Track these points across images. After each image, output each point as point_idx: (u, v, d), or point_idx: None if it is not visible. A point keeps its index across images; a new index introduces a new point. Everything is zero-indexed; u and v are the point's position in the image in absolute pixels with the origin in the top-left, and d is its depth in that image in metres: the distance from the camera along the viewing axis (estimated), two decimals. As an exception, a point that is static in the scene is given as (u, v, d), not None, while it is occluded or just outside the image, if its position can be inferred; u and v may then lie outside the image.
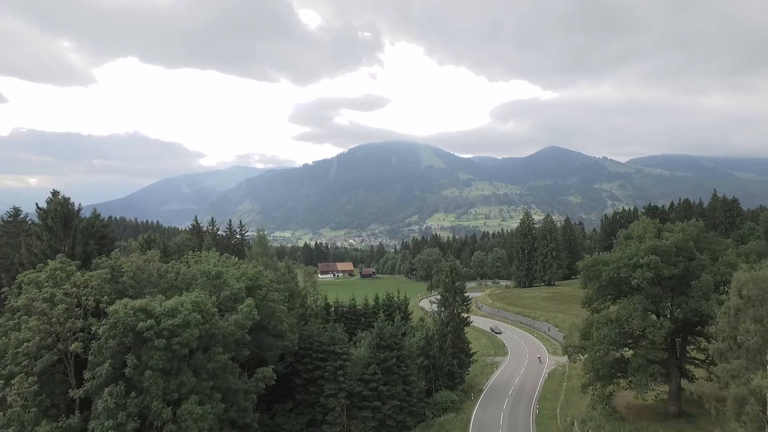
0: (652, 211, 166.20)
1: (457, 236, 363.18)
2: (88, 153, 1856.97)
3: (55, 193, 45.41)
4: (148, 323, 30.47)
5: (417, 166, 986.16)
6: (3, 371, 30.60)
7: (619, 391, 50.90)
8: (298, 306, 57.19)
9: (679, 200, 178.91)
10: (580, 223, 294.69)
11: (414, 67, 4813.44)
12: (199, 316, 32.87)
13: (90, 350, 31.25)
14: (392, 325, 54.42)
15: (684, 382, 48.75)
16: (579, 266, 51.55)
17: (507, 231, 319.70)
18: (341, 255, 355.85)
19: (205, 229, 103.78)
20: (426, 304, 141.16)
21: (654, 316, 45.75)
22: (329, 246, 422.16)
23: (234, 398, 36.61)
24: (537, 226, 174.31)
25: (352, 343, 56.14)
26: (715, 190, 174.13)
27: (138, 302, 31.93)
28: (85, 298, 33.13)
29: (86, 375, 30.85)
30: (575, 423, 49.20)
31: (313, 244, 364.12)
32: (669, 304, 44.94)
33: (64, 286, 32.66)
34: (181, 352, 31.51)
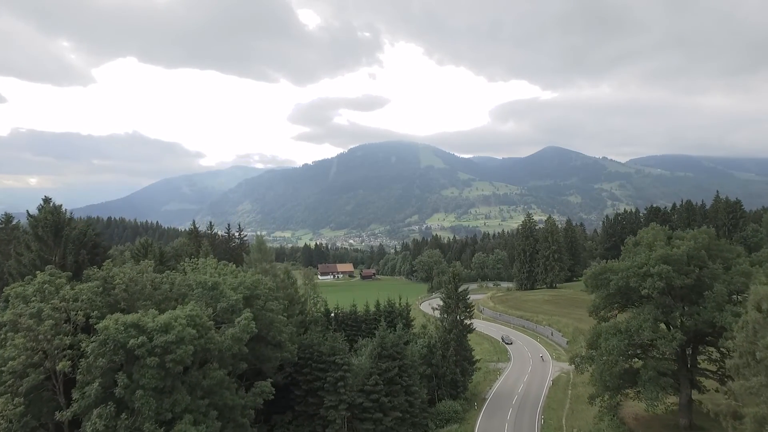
0: (654, 212, 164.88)
1: (457, 236, 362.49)
2: (87, 153, 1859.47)
3: (46, 200, 43.85)
4: (139, 340, 28.95)
5: (417, 166, 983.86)
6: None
7: (626, 401, 49.53)
8: (297, 313, 55.76)
9: (681, 201, 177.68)
10: (581, 224, 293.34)
11: (413, 67, 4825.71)
12: (194, 331, 31.44)
13: (78, 369, 29.74)
14: (394, 333, 53.22)
15: (694, 393, 47.43)
16: (586, 274, 50.17)
17: (507, 231, 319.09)
18: (341, 255, 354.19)
19: (203, 232, 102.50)
20: (426, 306, 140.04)
21: (664, 326, 44.49)
22: (329, 246, 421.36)
23: (231, 415, 35.18)
24: (538, 227, 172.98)
25: (353, 351, 54.83)
26: (717, 191, 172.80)
27: (130, 317, 30.45)
28: (74, 312, 31.58)
29: (75, 395, 29.36)
30: (582, 435, 47.94)
31: (313, 244, 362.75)
32: (680, 314, 43.56)
33: (52, 301, 31.10)
34: (174, 369, 30.04)
